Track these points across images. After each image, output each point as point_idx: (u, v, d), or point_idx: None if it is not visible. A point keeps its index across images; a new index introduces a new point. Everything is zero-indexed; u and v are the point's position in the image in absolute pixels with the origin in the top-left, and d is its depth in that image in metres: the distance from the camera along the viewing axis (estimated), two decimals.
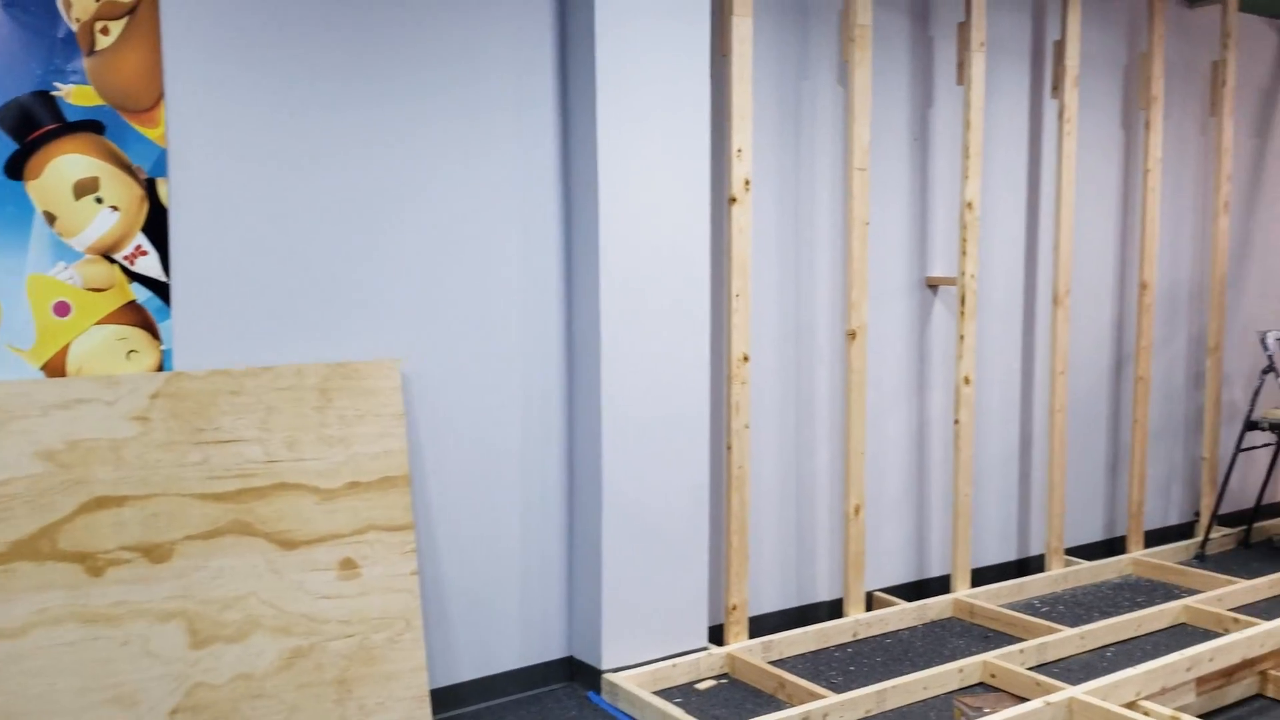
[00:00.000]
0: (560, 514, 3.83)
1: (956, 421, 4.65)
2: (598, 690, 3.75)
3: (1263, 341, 5.26)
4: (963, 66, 4.50)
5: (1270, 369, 5.25)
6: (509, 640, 3.75)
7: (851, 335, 4.27)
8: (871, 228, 4.41)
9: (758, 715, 3.49)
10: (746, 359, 3.96)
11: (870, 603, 4.58)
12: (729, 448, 3.97)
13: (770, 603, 4.36)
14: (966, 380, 4.62)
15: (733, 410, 3.96)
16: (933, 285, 4.73)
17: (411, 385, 3.46)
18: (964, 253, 4.54)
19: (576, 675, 3.86)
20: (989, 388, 4.96)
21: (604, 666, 3.74)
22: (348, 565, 3.19)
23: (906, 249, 4.63)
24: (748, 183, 3.88)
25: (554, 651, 3.86)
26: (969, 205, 4.52)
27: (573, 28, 3.64)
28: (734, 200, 3.87)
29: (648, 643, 3.84)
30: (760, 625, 4.26)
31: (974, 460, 4.84)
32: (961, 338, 4.59)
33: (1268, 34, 5.96)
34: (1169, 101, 5.43)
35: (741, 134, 3.85)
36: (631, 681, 3.71)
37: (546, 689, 3.82)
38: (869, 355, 4.46)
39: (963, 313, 4.57)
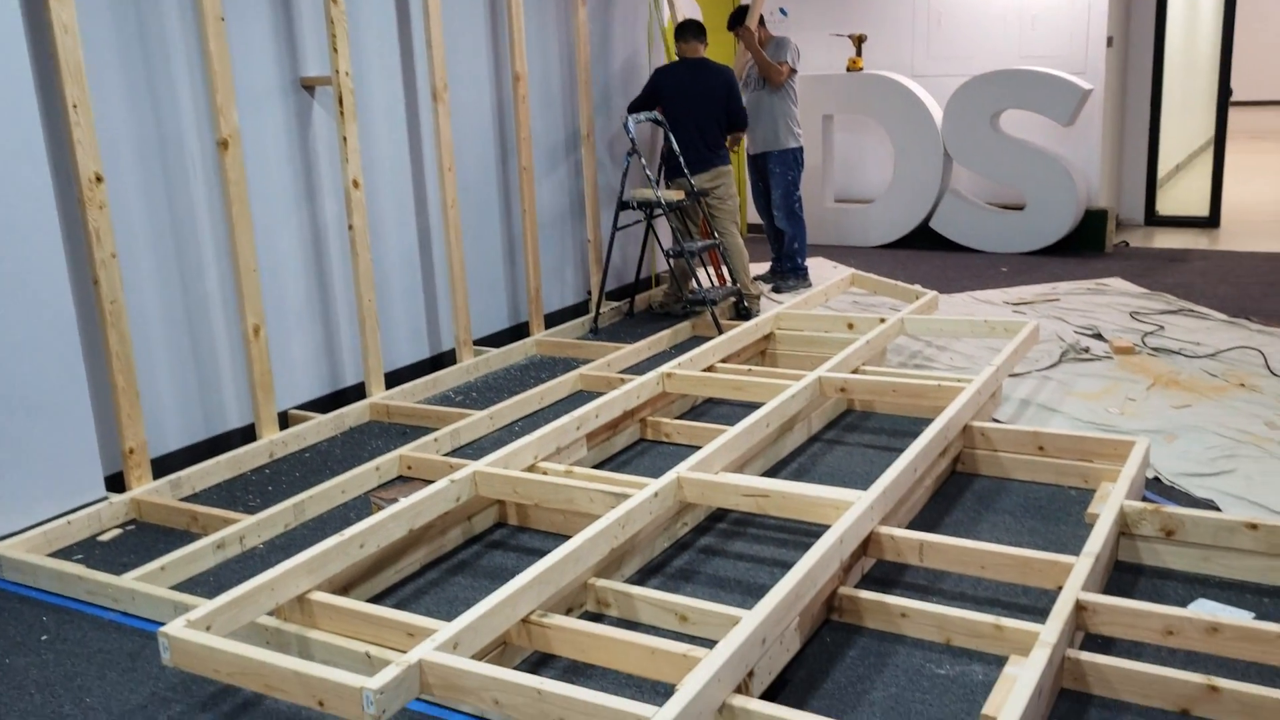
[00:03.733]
0: None
1: (351, 227, 4.57)
2: None
3: (625, 126, 5.71)
4: None
5: (634, 151, 5.74)
6: None
7: (224, 145, 3.97)
8: (231, 25, 4.07)
9: (169, 553, 3.29)
10: (100, 179, 3.53)
11: (286, 421, 4.48)
12: (95, 281, 3.57)
13: (176, 439, 4.09)
14: (356, 184, 4.53)
15: (93, 239, 3.54)
16: (308, 86, 4.52)
17: None
18: (335, 49, 4.36)
19: None
20: (381, 190, 4.92)
21: None
22: None
23: (274, 48, 4.35)
24: None
25: None
26: None
27: None
28: None
29: (34, 505, 3.46)
30: (169, 464, 3.99)
31: (375, 264, 4.82)
32: (345, 140, 4.46)
33: None
34: None
35: None
36: (20, 548, 3.33)
37: None
38: (248, 165, 4.18)
39: (342, 114, 4.43)
